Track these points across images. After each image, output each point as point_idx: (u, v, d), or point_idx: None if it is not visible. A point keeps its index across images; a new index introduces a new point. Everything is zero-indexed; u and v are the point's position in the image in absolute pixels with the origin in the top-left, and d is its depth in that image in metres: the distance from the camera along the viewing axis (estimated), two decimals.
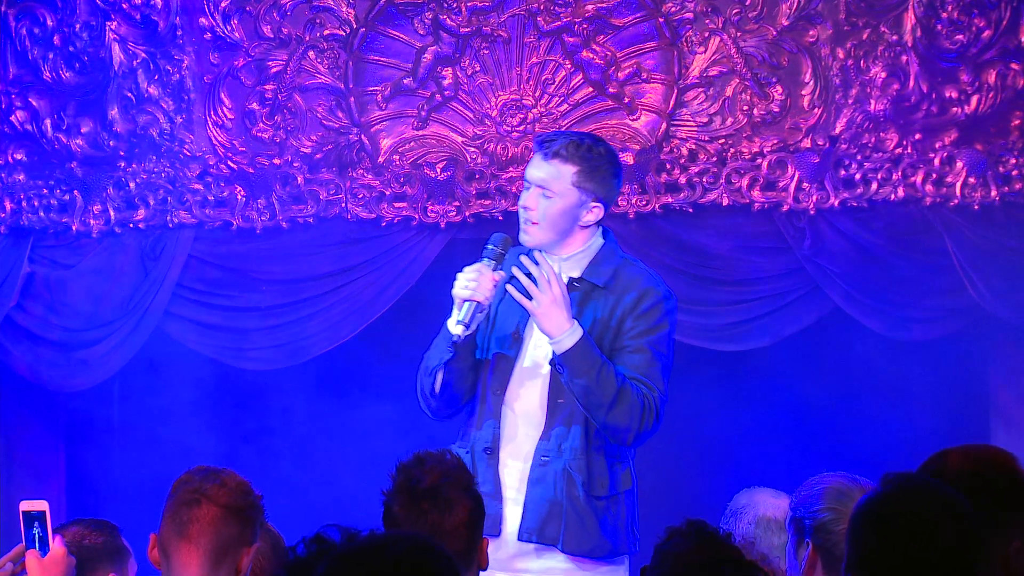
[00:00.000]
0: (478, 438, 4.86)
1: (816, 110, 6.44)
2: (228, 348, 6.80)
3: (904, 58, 6.39)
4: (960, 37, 6.36)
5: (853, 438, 6.45)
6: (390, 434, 6.32)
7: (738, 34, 6.46)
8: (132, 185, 6.76)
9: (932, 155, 6.39)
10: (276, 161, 6.69)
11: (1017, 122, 6.36)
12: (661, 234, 6.52)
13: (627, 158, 6.50)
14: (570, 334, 4.73)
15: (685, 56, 6.50)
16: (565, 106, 6.57)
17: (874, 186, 6.41)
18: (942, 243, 6.36)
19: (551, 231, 4.86)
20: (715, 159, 6.48)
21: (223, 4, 6.71)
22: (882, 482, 3.14)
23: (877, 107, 6.40)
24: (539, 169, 4.86)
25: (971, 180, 6.35)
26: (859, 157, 6.41)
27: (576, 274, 4.90)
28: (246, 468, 3.83)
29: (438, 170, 6.60)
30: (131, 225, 6.78)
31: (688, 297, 6.47)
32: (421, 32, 6.63)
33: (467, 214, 6.58)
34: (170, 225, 6.75)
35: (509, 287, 4.79)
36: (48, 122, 6.83)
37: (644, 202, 6.52)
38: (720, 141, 6.49)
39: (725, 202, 6.47)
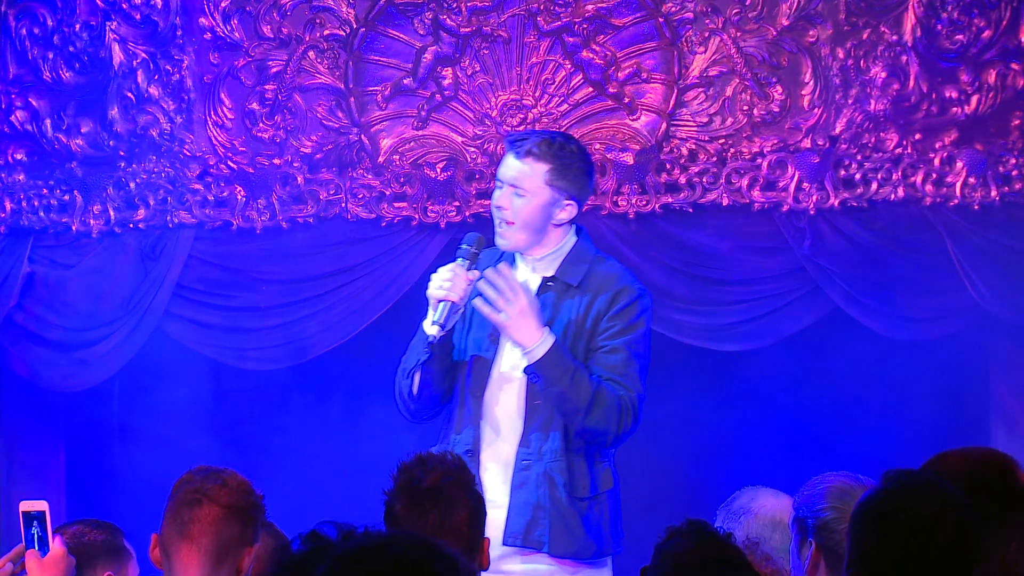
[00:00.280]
0: (458, 441, 4.85)
1: (816, 110, 6.44)
2: (228, 348, 6.80)
3: (904, 58, 6.39)
4: (960, 37, 6.36)
5: (853, 438, 6.45)
6: (391, 434, 6.31)
7: (738, 34, 6.46)
8: (132, 185, 6.76)
9: (932, 155, 6.39)
10: (276, 161, 6.69)
11: (1017, 122, 6.36)
12: (661, 234, 6.52)
13: (627, 158, 6.50)
14: (541, 343, 4.73)
15: (685, 56, 6.50)
16: (565, 106, 6.57)
17: (874, 186, 6.41)
18: (942, 243, 6.36)
19: (525, 231, 4.86)
20: (715, 159, 6.48)
21: (223, 4, 6.71)
22: (883, 479, 3.14)
23: (877, 107, 6.40)
24: (511, 168, 4.87)
25: (971, 180, 6.36)
26: (859, 157, 6.41)
27: (550, 273, 4.90)
28: (246, 468, 3.83)
29: (438, 170, 6.59)
30: (131, 225, 6.78)
31: (688, 297, 6.48)
32: (421, 32, 6.63)
33: (467, 214, 6.58)
34: (170, 225, 6.75)
35: (477, 302, 4.79)
36: (48, 122, 6.83)
37: (644, 202, 6.52)
38: (720, 141, 6.49)
39: (725, 202, 6.47)
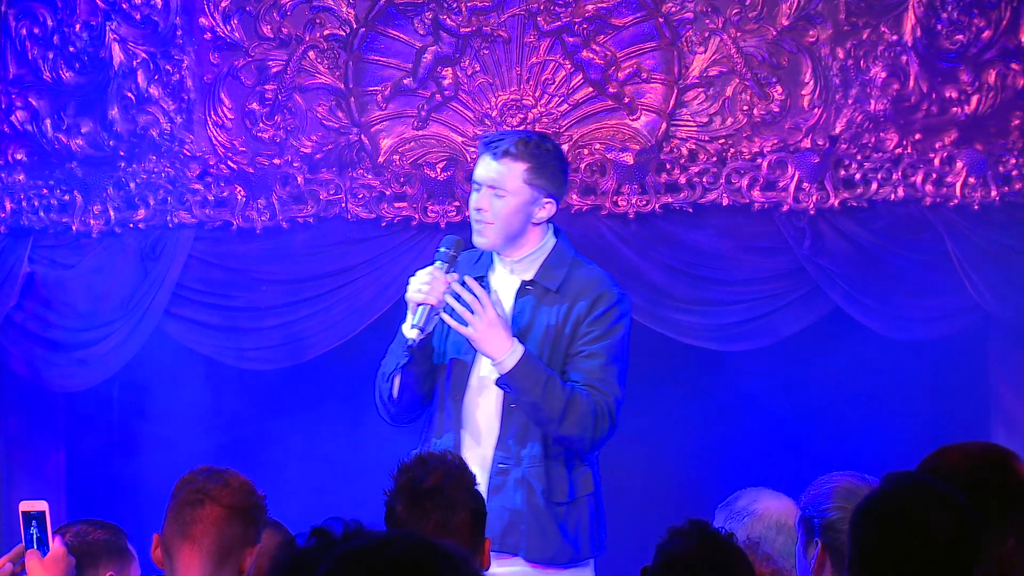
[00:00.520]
0: (438, 446, 4.85)
1: (816, 110, 6.44)
2: (228, 348, 6.79)
3: (904, 58, 6.39)
4: (960, 37, 6.36)
5: (853, 438, 6.45)
6: (391, 434, 6.31)
7: (738, 34, 6.46)
8: (132, 185, 6.76)
9: (932, 155, 6.39)
10: (276, 161, 6.69)
11: (1017, 122, 6.36)
12: (661, 234, 6.52)
13: (627, 158, 6.50)
14: (511, 354, 4.74)
15: (685, 56, 6.50)
16: (565, 106, 6.57)
17: (874, 186, 6.41)
18: (942, 243, 6.36)
19: (505, 231, 4.87)
20: (715, 159, 6.48)
21: (223, 4, 6.71)
22: (882, 480, 3.15)
23: (877, 107, 6.40)
24: (489, 169, 4.88)
25: (971, 180, 6.36)
26: (859, 157, 6.41)
27: (528, 276, 4.91)
28: (245, 468, 3.83)
29: (438, 170, 6.59)
30: (131, 225, 6.78)
31: (688, 297, 6.48)
32: (421, 32, 6.63)
33: (467, 214, 6.56)
34: (170, 225, 6.75)
35: (444, 315, 4.80)
36: (48, 122, 6.83)
37: (644, 202, 6.52)
38: (720, 141, 6.49)
39: (725, 202, 6.47)
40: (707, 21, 6.48)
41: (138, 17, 6.75)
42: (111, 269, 6.77)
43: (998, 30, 6.34)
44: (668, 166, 6.50)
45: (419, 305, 4.81)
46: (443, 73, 6.62)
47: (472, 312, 4.76)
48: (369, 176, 6.66)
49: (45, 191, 6.82)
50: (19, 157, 6.85)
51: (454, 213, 6.58)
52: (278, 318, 6.75)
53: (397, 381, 4.90)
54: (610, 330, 4.86)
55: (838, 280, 6.41)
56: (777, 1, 6.45)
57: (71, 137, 6.81)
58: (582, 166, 6.53)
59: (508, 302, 4.91)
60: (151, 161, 6.75)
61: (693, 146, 6.50)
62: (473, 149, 6.59)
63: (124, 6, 6.75)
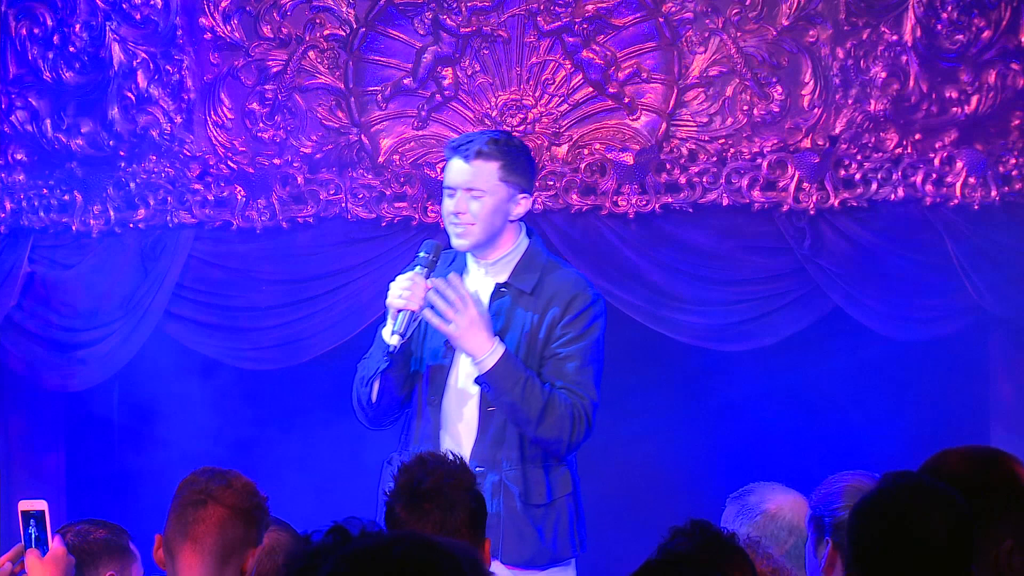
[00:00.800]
0: (417, 450, 4.84)
1: (816, 110, 6.44)
2: (228, 348, 6.79)
3: (904, 58, 6.39)
4: (960, 37, 6.36)
5: (853, 438, 6.45)
6: (391, 435, 6.31)
7: (738, 34, 6.46)
8: (132, 185, 6.76)
9: (932, 155, 6.39)
10: (276, 161, 6.69)
11: (1017, 122, 6.36)
12: (661, 234, 6.52)
13: (627, 158, 6.51)
14: (492, 353, 4.76)
15: (685, 56, 6.50)
16: (565, 106, 6.57)
17: (874, 186, 6.41)
18: (942, 243, 6.36)
19: (487, 231, 4.88)
20: (715, 159, 6.48)
21: (223, 4, 6.70)
22: (879, 481, 3.15)
23: (877, 107, 6.40)
24: (462, 173, 4.90)
25: (971, 180, 6.36)
26: (859, 157, 6.41)
27: (503, 278, 4.92)
28: (245, 468, 3.83)
29: (438, 170, 6.59)
30: (131, 225, 6.78)
31: (688, 297, 6.48)
32: (421, 32, 6.63)
33: None
34: (170, 225, 6.75)
35: (427, 313, 4.81)
36: (48, 122, 6.83)
37: (644, 202, 6.52)
38: (720, 141, 6.49)
39: (725, 202, 6.47)
40: (707, 21, 6.48)
41: (138, 17, 6.75)
42: (111, 269, 6.77)
43: (998, 30, 6.34)
44: (668, 166, 6.50)
45: (399, 311, 4.82)
46: (443, 73, 6.62)
47: (454, 310, 4.77)
48: (369, 176, 6.66)
49: (45, 191, 6.81)
50: (19, 157, 6.85)
51: None
52: (278, 318, 6.75)
53: (377, 386, 4.92)
54: (585, 332, 4.87)
55: (838, 280, 6.41)
56: (777, 1, 6.44)
57: (71, 137, 6.81)
58: (582, 166, 6.53)
59: (483, 304, 4.91)
60: (151, 161, 6.75)
61: (693, 146, 6.50)
62: None
63: (124, 6, 6.75)
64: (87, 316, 6.79)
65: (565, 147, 6.56)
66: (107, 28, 6.77)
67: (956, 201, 6.36)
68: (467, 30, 6.58)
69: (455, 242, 4.93)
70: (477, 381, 4.82)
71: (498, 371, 4.75)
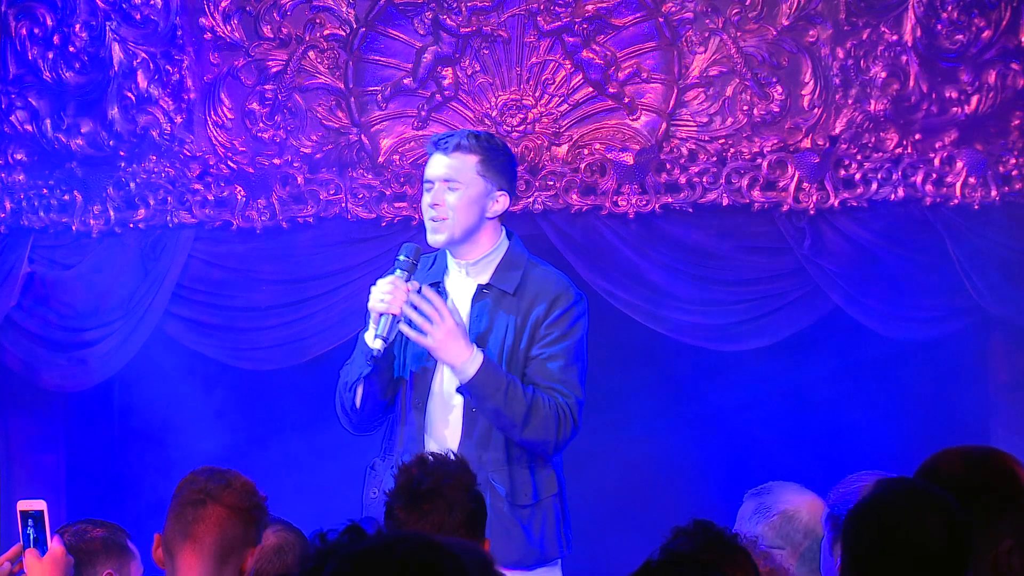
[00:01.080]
0: (401, 456, 4.83)
1: (816, 110, 6.44)
2: (228, 348, 6.80)
3: (904, 58, 6.39)
4: (960, 37, 6.36)
5: (853, 438, 6.45)
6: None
7: (738, 34, 6.46)
8: (132, 185, 6.76)
9: (932, 155, 6.39)
10: (276, 161, 6.69)
11: (1017, 122, 6.37)
12: (661, 234, 6.52)
13: (627, 158, 6.51)
14: (471, 361, 4.74)
15: (685, 56, 6.50)
16: (565, 106, 6.57)
17: (874, 186, 6.41)
18: (942, 243, 6.36)
19: (463, 224, 4.86)
20: (715, 159, 6.48)
21: (223, 4, 6.71)
22: (874, 485, 3.15)
23: (877, 107, 6.40)
24: (441, 166, 4.89)
25: (971, 180, 6.36)
26: (859, 157, 6.41)
27: (484, 279, 4.90)
28: (245, 467, 3.83)
29: None
30: (131, 225, 6.78)
31: (688, 297, 6.48)
32: (421, 32, 6.63)
33: None
34: (170, 225, 6.75)
35: (403, 327, 4.79)
36: (48, 122, 6.83)
37: (644, 202, 6.52)
38: (720, 141, 6.49)
39: (725, 202, 6.47)
40: (707, 21, 6.48)
41: (138, 17, 6.75)
42: (111, 269, 6.78)
43: (998, 30, 6.35)
44: (668, 166, 6.50)
45: (382, 315, 4.81)
46: (443, 73, 6.62)
47: (431, 322, 4.75)
48: (369, 176, 6.66)
49: (45, 191, 6.82)
50: (19, 157, 6.85)
51: None
52: (278, 318, 6.75)
53: (360, 391, 4.91)
54: (569, 331, 4.86)
55: (838, 280, 6.41)
56: (777, 1, 6.45)
57: (71, 137, 6.81)
58: (582, 166, 6.53)
59: (465, 306, 4.90)
60: (151, 161, 6.75)
61: (693, 146, 6.50)
62: None
63: (124, 6, 6.75)
64: (87, 316, 6.79)
65: (565, 147, 6.56)
66: (107, 28, 6.77)
67: (956, 201, 6.36)
68: (467, 30, 6.59)
69: (431, 237, 4.90)
70: (459, 390, 4.81)
71: (479, 379, 4.74)
